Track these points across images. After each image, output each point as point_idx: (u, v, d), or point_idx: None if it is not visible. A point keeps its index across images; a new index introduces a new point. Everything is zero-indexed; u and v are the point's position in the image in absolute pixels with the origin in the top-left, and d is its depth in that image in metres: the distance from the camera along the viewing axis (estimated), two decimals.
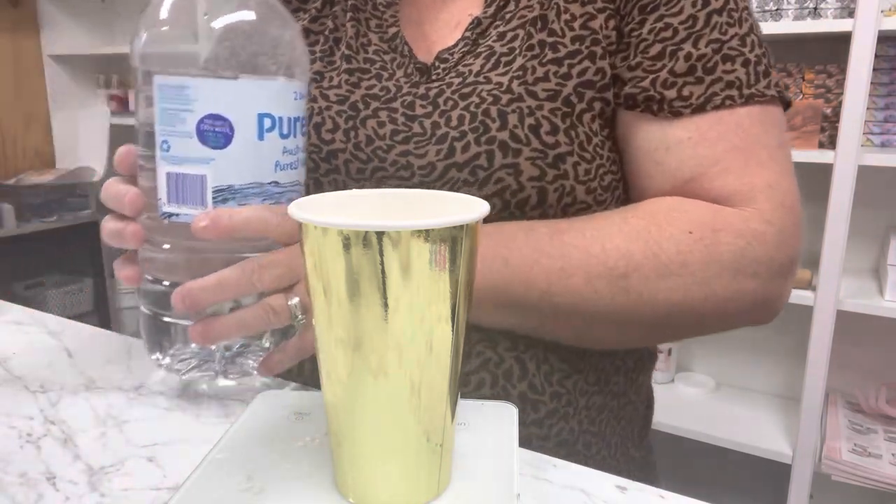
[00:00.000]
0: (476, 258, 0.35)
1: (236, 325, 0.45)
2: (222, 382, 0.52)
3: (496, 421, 0.44)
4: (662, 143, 0.54)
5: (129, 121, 2.54)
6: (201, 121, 0.43)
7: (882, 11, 1.36)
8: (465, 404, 0.46)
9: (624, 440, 0.61)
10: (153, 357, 0.50)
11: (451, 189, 0.53)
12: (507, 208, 0.53)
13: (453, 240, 0.32)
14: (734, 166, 0.52)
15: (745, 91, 0.53)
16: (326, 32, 0.61)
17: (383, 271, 0.31)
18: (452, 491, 0.37)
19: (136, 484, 0.40)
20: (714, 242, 0.50)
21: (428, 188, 0.53)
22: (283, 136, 0.45)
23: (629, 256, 0.50)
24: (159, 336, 0.49)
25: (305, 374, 0.58)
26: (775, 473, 1.56)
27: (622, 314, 0.51)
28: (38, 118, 2.66)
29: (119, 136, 2.80)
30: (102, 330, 0.63)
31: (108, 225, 0.48)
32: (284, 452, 0.40)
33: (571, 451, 0.56)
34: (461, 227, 0.32)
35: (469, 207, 0.35)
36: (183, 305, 0.44)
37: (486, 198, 0.52)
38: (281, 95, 0.45)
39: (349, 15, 0.61)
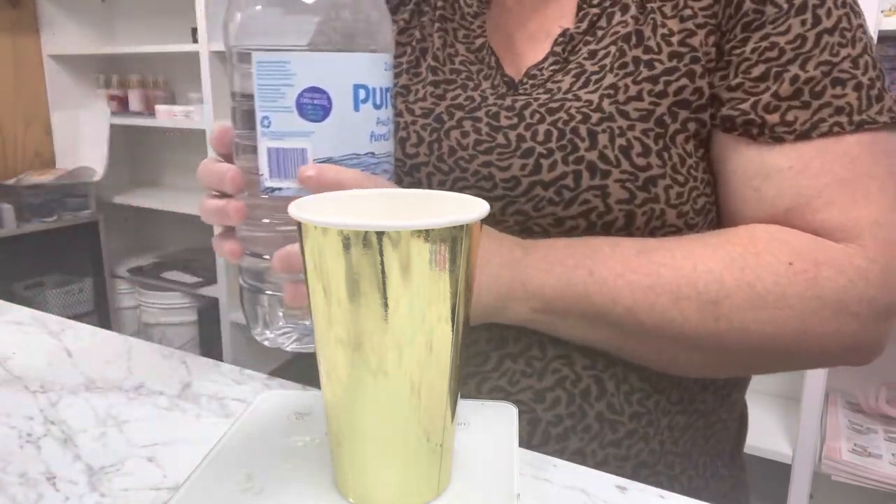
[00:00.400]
0: (476, 258, 0.35)
1: None
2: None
3: (496, 421, 0.44)
4: (761, 169, 0.51)
5: (129, 121, 2.55)
6: (301, 94, 0.44)
7: (882, 11, 1.36)
8: (465, 404, 0.46)
9: (713, 459, 0.59)
10: (255, 332, 0.50)
11: (534, 207, 0.52)
12: (591, 229, 0.52)
13: (453, 240, 0.32)
14: (839, 199, 0.49)
15: (856, 117, 0.49)
16: (413, 43, 0.61)
17: (383, 271, 0.31)
18: (452, 491, 0.37)
19: (136, 484, 0.40)
20: (815, 277, 0.48)
21: (512, 203, 0.52)
22: (377, 107, 0.46)
23: (721, 282, 0.48)
24: (260, 311, 0.50)
25: (306, 374, 0.58)
26: (775, 473, 1.56)
27: (709, 341, 0.49)
28: (38, 118, 2.66)
29: (119, 136, 2.80)
30: (102, 330, 0.63)
31: (209, 203, 0.48)
32: (284, 452, 0.40)
33: (652, 472, 0.54)
34: (461, 227, 0.32)
35: (469, 207, 0.35)
36: (281, 267, 0.45)
37: (570, 218, 0.52)
38: (373, 67, 0.46)
39: (437, 25, 0.60)
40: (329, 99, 0.44)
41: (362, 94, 0.45)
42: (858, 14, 0.52)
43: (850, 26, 0.50)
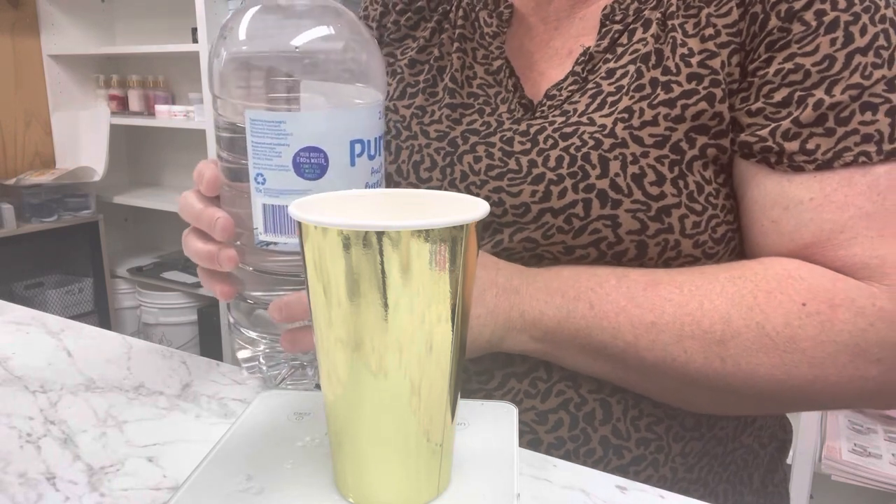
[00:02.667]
0: (475, 258, 0.35)
1: None
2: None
3: (496, 421, 0.44)
4: (780, 200, 0.48)
5: (129, 121, 2.55)
6: (297, 154, 0.43)
7: None
8: (465, 404, 0.46)
9: (736, 487, 0.56)
10: (246, 366, 0.51)
11: (544, 234, 0.50)
12: (602, 258, 0.50)
13: (453, 240, 0.32)
14: (863, 235, 0.46)
15: (886, 146, 0.46)
16: (431, 61, 0.59)
17: (383, 271, 0.31)
18: (452, 491, 0.37)
19: (136, 484, 0.40)
20: (830, 319, 0.44)
21: (521, 229, 0.51)
22: (371, 158, 0.45)
23: (728, 321, 0.45)
24: (250, 347, 0.50)
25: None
26: None
27: (716, 382, 0.46)
28: (38, 118, 2.66)
29: (119, 136, 2.80)
30: (102, 330, 0.63)
31: (197, 245, 0.47)
32: (284, 452, 0.40)
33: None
34: (461, 227, 0.32)
35: (469, 207, 0.35)
36: (280, 317, 0.45)
37: (580, 247, 0.50)
38: (369, 119, 0.45)
39: (456, 45, 0.58)
40: (326, 157, 0.43)
41: (358, 148, 0.44)
42: None
43: (888, 44, 0.46)
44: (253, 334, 0.49)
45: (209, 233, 0.46)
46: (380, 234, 0.31)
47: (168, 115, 2.44)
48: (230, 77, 0.45)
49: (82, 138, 2.65)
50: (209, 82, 0.46)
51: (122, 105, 2.65)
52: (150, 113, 2.56)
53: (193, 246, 0.47)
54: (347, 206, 0.38)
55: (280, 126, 0.42)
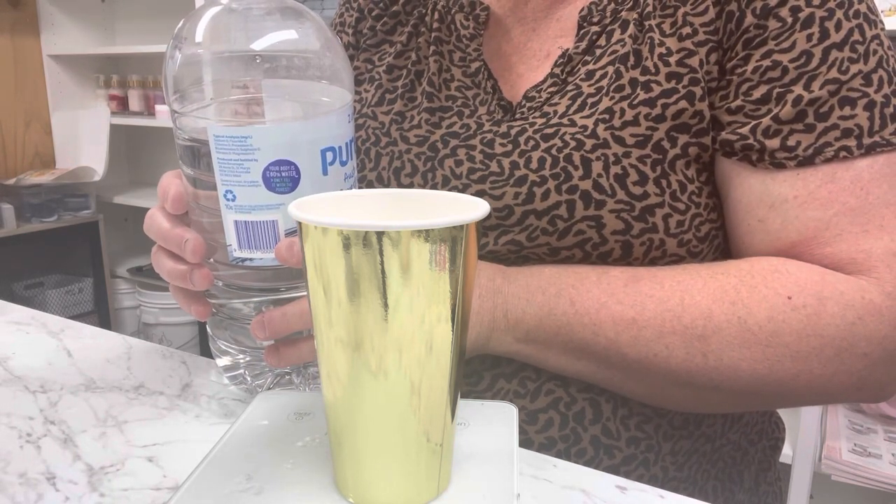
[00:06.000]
0: (476, 258, 0.35)
1: (308, 351, 0.46)
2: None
3: (496, 421, 0.44)
4: (764, 198, 0.48)
5: (129, 121, 2.55)
6: (267, 168, 0.41)
7: (882, 11, 1.36)
8: (465, 404, 0.46)
9: (726, 484, 0.56)
10: (228, 376, 0.51)
11: (528, 237, 0.50)
12: (587, 259, 0.50)
13: (453, 240, 0.32)
14: (849, 231, 0.46)
15: (866, 140, 0.46)
16: (409, 66, 0.59)
17: (383, 271, 0.31)
18: (452, 491, 0.37)
19: (136, 484, 0.40)
20: (817, 312, 0.44)
21: (506, 232, 0.51)
22: (343, 164, 0.44)
23: (709, 317, 0.45)
24: (230, 355, 0.50)
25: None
26: None
27: (699, 378, 0.46)
28: (38, 118, 2.66)
29: (119, 136, 2.80)
30: (102, 330, 0.63)
31: (168, 265, 0.46)
32: (284, 452, 0.40)
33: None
34: (461, 227, 0.32)
35: (469, 207, 0.35)
36: (263, 335, 0.45)
37: (565, 248, 0.50)
38: (338, 124, 0.43)
39: (432, 48, 0.58)
40: (297, 169, 0.42)
41: (330, 156, 0.43)
42: (874, 24, 0.48)
43: (862, 39, 0.47)
44: (233, 349, 0.49)
45: (179, 254, 0.45)
46: (380, 234, 0.31)
47: (168, 115, 2.44)
48: (189, 90, 0.43)
49: (82, 138, 2.65)
50: (165, 96, 0.44)
51: (122, 105, 2.65)
52: (151, 113, 2.56)
53: (165, 265, 0.46)
54: (347, 206, 0.38)
55: (246, 141, 0.41)
